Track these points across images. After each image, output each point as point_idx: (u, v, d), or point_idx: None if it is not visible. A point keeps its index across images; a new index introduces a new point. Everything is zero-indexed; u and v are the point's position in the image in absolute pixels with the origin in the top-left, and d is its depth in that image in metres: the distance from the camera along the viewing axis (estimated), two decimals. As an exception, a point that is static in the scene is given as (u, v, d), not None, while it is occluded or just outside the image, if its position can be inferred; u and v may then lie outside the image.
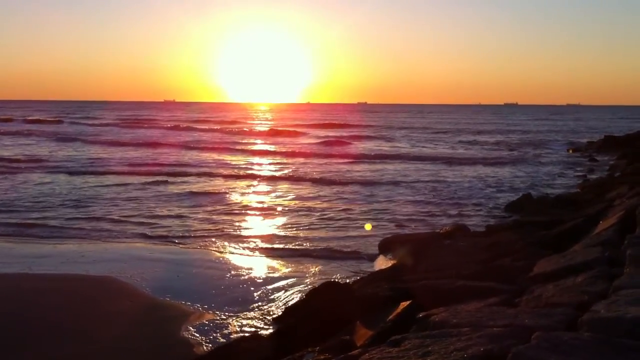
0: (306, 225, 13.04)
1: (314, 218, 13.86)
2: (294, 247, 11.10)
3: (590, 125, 72.84)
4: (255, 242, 11.49)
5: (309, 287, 8.26)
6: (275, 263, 10.07)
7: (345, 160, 28.39)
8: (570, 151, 35.20)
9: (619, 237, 6.50)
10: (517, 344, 3.49)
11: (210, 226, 12.93)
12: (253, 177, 22.05)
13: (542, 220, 10.69)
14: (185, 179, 20.97)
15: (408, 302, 5.68)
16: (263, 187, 19.57)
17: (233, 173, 22.94)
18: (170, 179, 20.59)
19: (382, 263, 9.78)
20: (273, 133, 51.40)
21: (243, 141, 41.81)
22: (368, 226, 10.16)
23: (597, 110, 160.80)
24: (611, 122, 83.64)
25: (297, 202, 16.26)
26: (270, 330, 6.76)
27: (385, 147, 37.85)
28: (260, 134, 50.99)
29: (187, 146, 35.71)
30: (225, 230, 12.59)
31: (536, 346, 3.38)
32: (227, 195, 17.36)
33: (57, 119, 71.08)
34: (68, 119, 72.69)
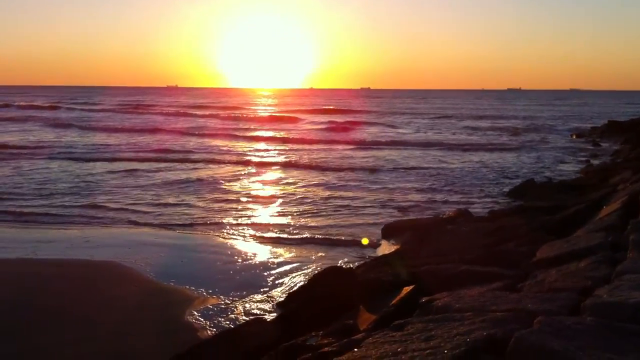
0: (309, 212, 13.06)
1: (317, 204, 13.87)
2: (297, 233, 11.11)
3: (594, 110, 72.45)
4: (259, 228, 11.51)
5: (313, 272, 8.29)
6: (279, 249, 10.09)
7: (349, 147, 28.34)
8: (574, 137, 35.05)
9: (622, 222, 6.49)
10: (520, 328, 3.50)
11: (214, 212, 12.96)
12: (256, 163, 22.06)
13: (546, 205, 10.68)
14: (189, 165, 20.99)
15: (411, 287, 5.70)
16: (266, 173, 19.58)
17: (236, 159, 22.94)
18: (174, 165, 20.65)
19: (386, 248, 9.80)
20: (276, 119, 51.26)
21: (246, 127, 41.69)
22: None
23: (601, 96, 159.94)
24: (615, 107, 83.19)
25: (300, 188, 16.27)
26: (274, 315, 6.79)
27: (388, 132, 37.74)
28: (263, 120, 50.79)
29: (190, 132, 35.60)
30: (229, 216, 12.61)
31: (539, 330, 3.38)
32: (231, 182, 17.37)
33: (55, 104, 70.13)
34: (67, 104, 72.05)
